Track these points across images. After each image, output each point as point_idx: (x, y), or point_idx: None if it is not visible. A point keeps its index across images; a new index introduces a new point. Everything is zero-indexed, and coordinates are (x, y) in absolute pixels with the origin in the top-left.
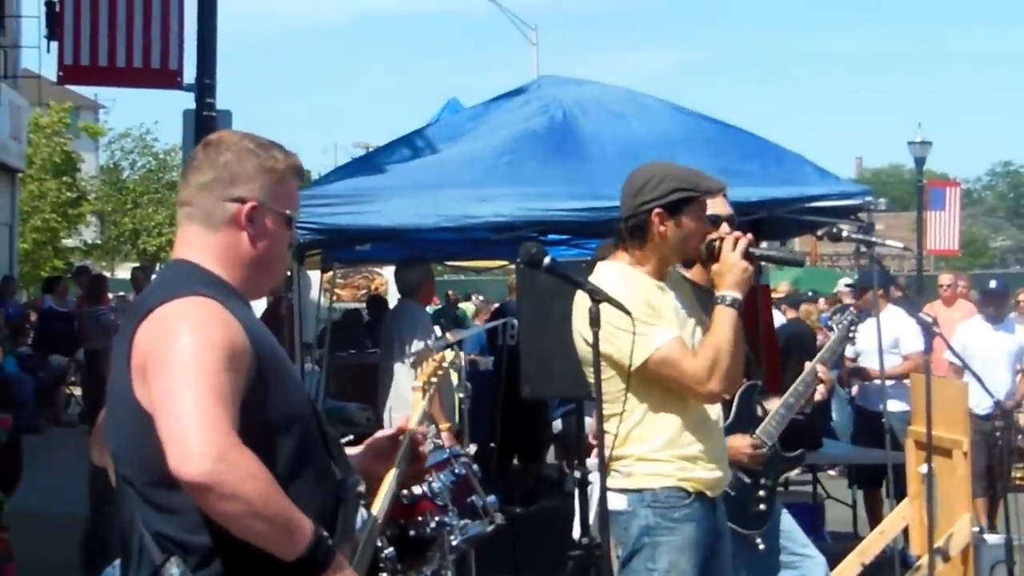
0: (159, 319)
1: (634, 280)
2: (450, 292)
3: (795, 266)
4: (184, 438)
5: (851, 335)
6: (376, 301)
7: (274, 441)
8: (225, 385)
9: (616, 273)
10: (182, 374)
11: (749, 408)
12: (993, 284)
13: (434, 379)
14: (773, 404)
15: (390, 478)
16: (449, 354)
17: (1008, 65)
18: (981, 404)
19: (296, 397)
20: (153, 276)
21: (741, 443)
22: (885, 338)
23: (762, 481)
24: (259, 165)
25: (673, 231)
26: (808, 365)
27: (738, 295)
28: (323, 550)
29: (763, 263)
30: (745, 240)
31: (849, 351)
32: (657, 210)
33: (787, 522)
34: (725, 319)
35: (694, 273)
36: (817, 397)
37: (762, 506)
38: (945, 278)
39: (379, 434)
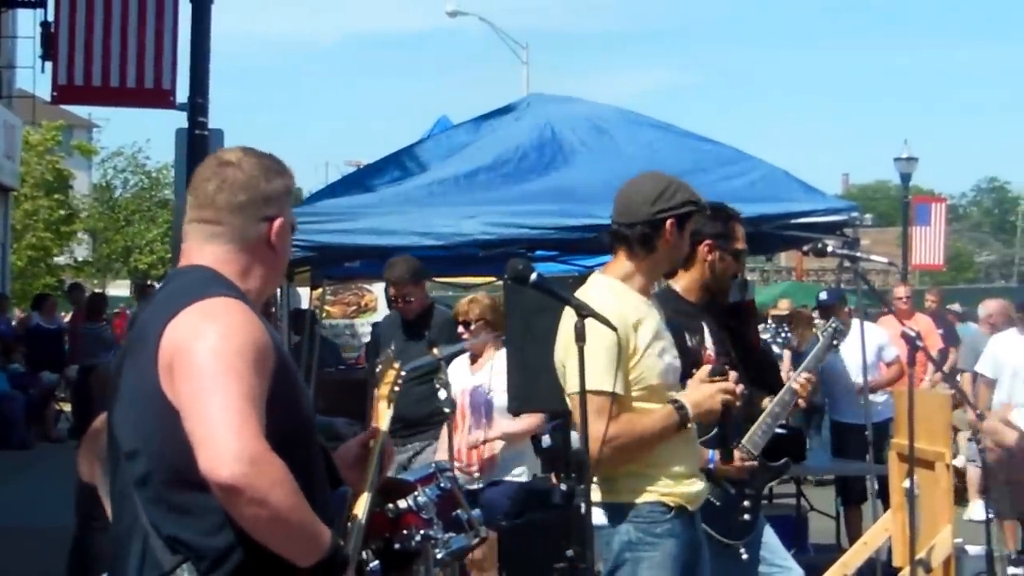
0: (187, 319)
1: (625, 299)
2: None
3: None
4: (216, 440)
5: (835, 343)
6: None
7: (293, 446)
8: (254, 387)
9: (609, 288)
10: (212, 375)
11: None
12: None
13: (396, 388)
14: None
15: (367, 487)
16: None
17: (993, 82)
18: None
19: (307, 405)
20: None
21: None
22: (869, 348)
23: (747, 491)
24: (284, 184)
25: (677, 241)
26: (791, 375)
27: (691, 413)
28: (340, 558)
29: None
30: (733, 396)
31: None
32: (672, 220)
33: (768, 534)
34: (668, 421)
35: (683, 283)
36: (802, 404)
37: (747, 516)
38: (901, 290)
39: (349, 443)
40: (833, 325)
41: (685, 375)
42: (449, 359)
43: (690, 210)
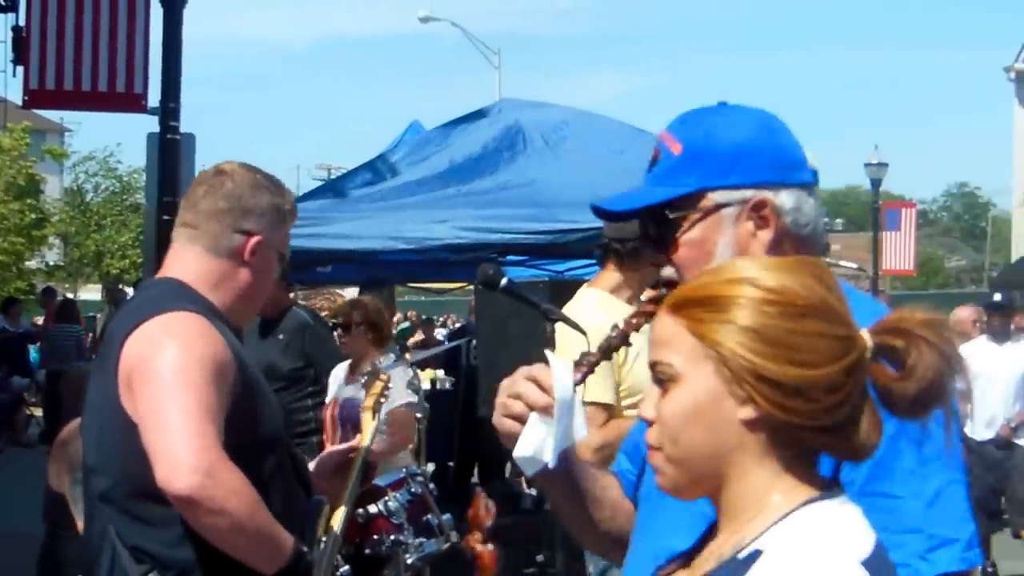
0: (147, 332)
1: (614, 310)
2: (411, 313)
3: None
4: (173, 451)
5: None
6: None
7: (255, 458)
8: (212, 400)
9: (596, 299)
10: (169, 387)
11: None
12: (998, 297)
13: (382, 399)
14: None
15: (347, 496)
16: (404, 373)
17: (964, 87)
18: (976, 430)
19: (273, 418)
20: (130, 292)
21: None
22: None
23: None
24: (271, 202)
25: None
26: None
27: None
28: (303, 565)
29: None
30: None
31: None
32: None
33: None
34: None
35: None
36: None
37: None
38: None
39: (329, 451)
40: None
41: None
42: (421, 364)
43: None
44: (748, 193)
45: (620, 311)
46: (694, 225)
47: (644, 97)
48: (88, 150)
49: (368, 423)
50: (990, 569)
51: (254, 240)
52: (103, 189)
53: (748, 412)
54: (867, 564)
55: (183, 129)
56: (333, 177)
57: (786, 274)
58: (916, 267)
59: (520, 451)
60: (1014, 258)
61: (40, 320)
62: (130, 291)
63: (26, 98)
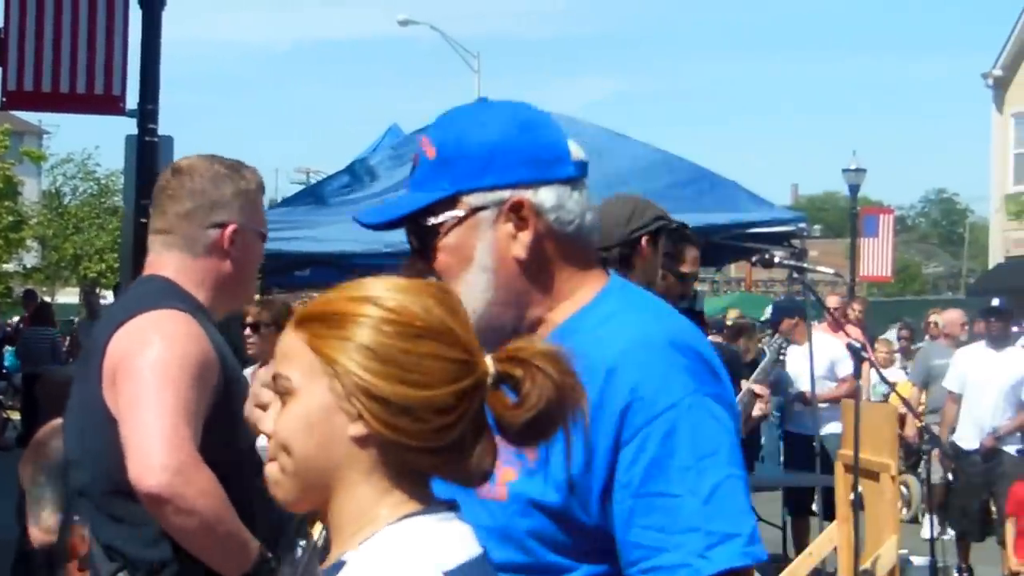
0: (133, 329)
1: None
2: None
3: None
4: (145, 450)
5: (781, 356)
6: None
7: (235, 460)
8: (191, 400)
9: None
10: (150, 385)
11: None
12: (996, 302)
13: None
14: None
15: None
16: None
17: (942, 94)
18: (964, 437)
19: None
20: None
21: None
22: (819, 364)
23: None
24: (235, 189)
25: (652, 259)
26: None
27: None
28: (266, 572)
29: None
30: None
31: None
32: (647, 238)
33: None
34: None
35: None
36: (756, 413)
37: None
38: (832, 300)
39: None
40: (779, 340)
41: None
42: None
43: (661, 225)
44: (505, 194)
45: None
46: (451, 231)
47: (622, 102)
48: (66, 152)
49: None
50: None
51: (230, 229)
52: (81, 192)
53: (358, 429)
54: (452, 574)
55: (161, 132)
56: (312, 181)
57: (408, 295)
58: (893, 273)
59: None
60: (991, 265)
61: (18, 322)
62: (108, 295)
63: (4, 99)
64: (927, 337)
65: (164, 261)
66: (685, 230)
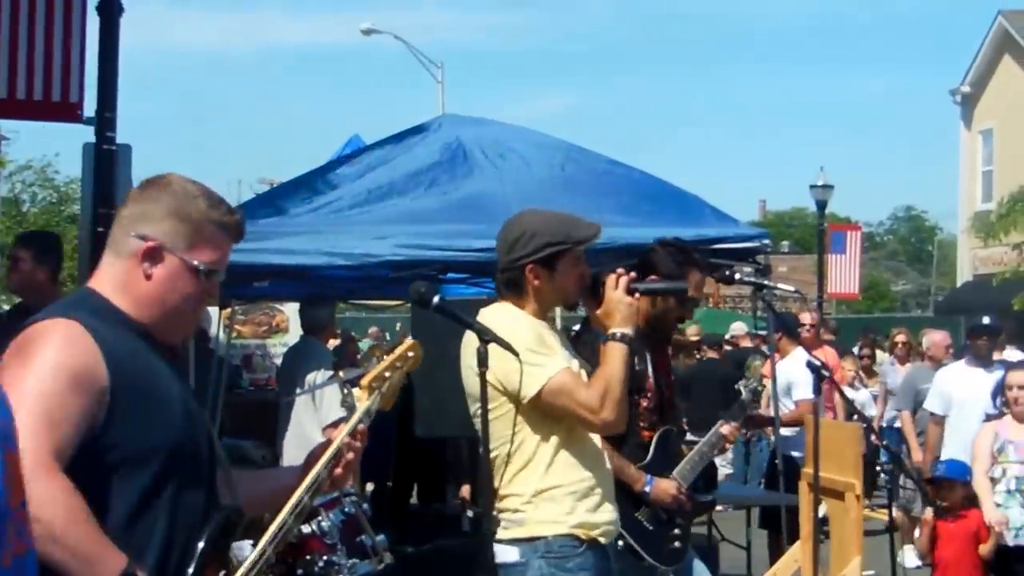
0: (23, 337)
1: (522, 317)
2: (354, 333)
3: (679, 292)
4: None
5: (756, 397)
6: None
7: (128, 470)
8: (63, 408)
9: (503, 312)
10: (21, 391)
11: (668, 451)
12: (987, 320)
13: (388, 373)
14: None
15: (302, 486)
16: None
17: (911, 110)
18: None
19: (163, 430)
20: None
21: (668, 486)
22: (779, 383)
23: (677, 520)
24: (172, 208)
25: (548, 282)
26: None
27: (627, 330)
28: None
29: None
30: (626, 277)
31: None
32: (530, 266)
33: (698, 567)
34: (615, 353)
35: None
36: (718, 453)
37: (677, 543)
38: (806, 317)
39: (319, 446)
40: (754, 383)
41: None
42: (353, 382)
43: (551, 252)
44: None
45: (530, 320)
46: None
47: (586, 116)
48: (25, 159)
49: (363, 401)
50: None
51: (147, 245)
52: (40, 199)
53: None
54: None
55: (120, 140)
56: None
57: None
58: (861, 291)
59: None
60: (959, 283)
61: None
62: None
63: None
64: (890, 356)
65: (101, 262)
66: (690, 253)
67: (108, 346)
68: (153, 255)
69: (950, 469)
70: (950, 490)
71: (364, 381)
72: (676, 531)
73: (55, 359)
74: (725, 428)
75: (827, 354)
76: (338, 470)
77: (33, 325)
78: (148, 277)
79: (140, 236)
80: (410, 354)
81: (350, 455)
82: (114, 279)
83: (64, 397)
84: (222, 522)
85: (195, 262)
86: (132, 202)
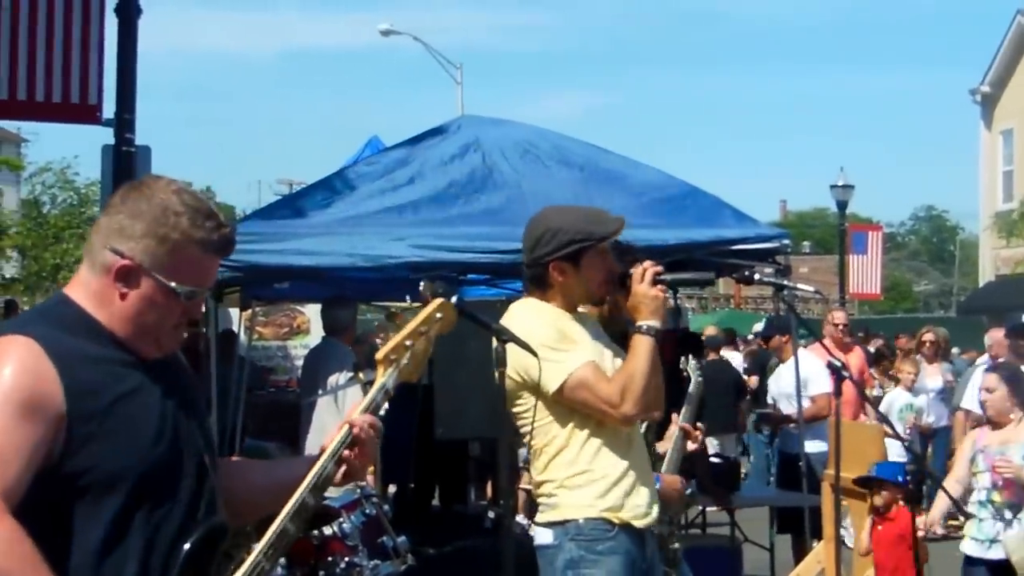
0: None
1: (546, 312)
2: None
3: (705, 284)
4: None
5: (699, 378)
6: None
7: (94, 496)
8: (12, 441)
9: (528, 308)
10: None
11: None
12: None
13: (409, 342)
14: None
15: (303, 484)
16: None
17: (931, 110)
18: None
19: (132, 451)
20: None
21: (674, 480)
22: (794, 381)
23: (667, 518)
24: (151, 227)
25: (574, 278)
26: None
27: (654, 323)
28: None
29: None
30: (652, 270)
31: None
32: (554, 263)
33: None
34: (640, 346)
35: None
36: (691, 447)
37: (676, 544)
38: (839, 316)
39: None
40: (694, 364)
41: None
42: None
43: (574, 248)
44: None
45: (555, 313)
46: None
47: (607, 116)
48: (45, 161)
49: (380, 376)
50: None
51: (120, 263)
52: (60, 201)
53: None
54: None
55: (139, 141)
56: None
57: None
58: (883, 291)
59: None
60: (982, 282)
61: None
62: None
63: None
64: (918, 356)
65: (80, 268)
66: (635, 254)
67: (66, 365)
68: (127, 275)
69: (880, 470)
70: (881, 490)
71: (380, 353)
72: (674, 532)
73: (4, 386)
74: (682, 427)
75: (856, 356)
76: (348, 452)
77: None
78: (123, 297)
79: (116, 251)
80: (438, 315)
81: (363, 439)
82: (89, 290)
83: (13, 429)
84: (201, 539)
85: (172, 284)
86: (112, 210)
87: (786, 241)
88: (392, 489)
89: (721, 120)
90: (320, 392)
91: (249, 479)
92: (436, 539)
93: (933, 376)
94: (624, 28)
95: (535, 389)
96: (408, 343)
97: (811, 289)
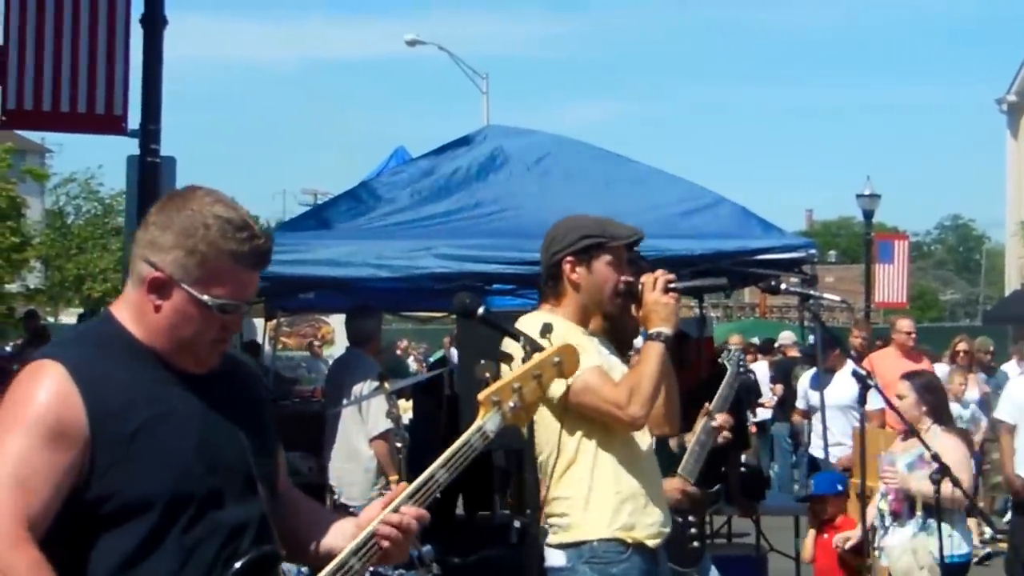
0: (14, 380)
1: (557, 323)
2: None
3: (718, 289)
4: None
5: (741, 369)
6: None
7: (122, 521)
8: (37, 470)
9: (539, 318)
10: None
11: (663, 453)
12: None
13: (517, 384)
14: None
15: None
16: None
17: (957, 119)
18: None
19: (163, 474)
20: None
21: (675, 483)
22: (846, 395)
23: (691, 519)
24: (180, 239)
25: (586, 277)
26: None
27: (666, 330)
28: None
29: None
30: (664, 278)
31: (801, 403)
32: (568, 258)
33: (714, 572)
34: (650, 350)
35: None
36: (720, 441)
37: (695, 543)
38: (905, 324)
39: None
40: (737, 352)
41: None
42: (399, 393)
43: (587, 244)
44: None
45: (565, 325)
46: None
47: (632, 126)
48: (69, 172)
49: (479, 418)
50: None
51: (151, 276)
52: (84, 212)
53: None
54: None
55: (164, 152)
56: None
57: None
58: (909, 300)
59: None
60: (1008, 291)
61: (23, 344)
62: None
63: (4, 118)
64: (951, 365)
65: (127, 283)
66: (642, 264)
67: (93, 389)
68: (160, 287)
69: (818, 485)
70: (822, 504)
71: (482, 395)
72: (692, 530)
73: (29, 414)
74: (717, 420)
75: (926, 366)
76: (384, 543)
77: (25, 366)
78: (157, 309)
79: (149, 263)
80: (556, 359)
81: (391, 544)
82: (129, 304)
83: (38, 456)
84: (250, 564)
85: (205, 297)
86: (149, 222)
87: (812, 251)
88: None
89: (747, 130)
90: (345, 402)
91: (291, 525)
92: (461, 548)
93: (970, 387)
94: (650, 38)
95: (545, 399)
96: (516, 386)
97: (837, 298)
